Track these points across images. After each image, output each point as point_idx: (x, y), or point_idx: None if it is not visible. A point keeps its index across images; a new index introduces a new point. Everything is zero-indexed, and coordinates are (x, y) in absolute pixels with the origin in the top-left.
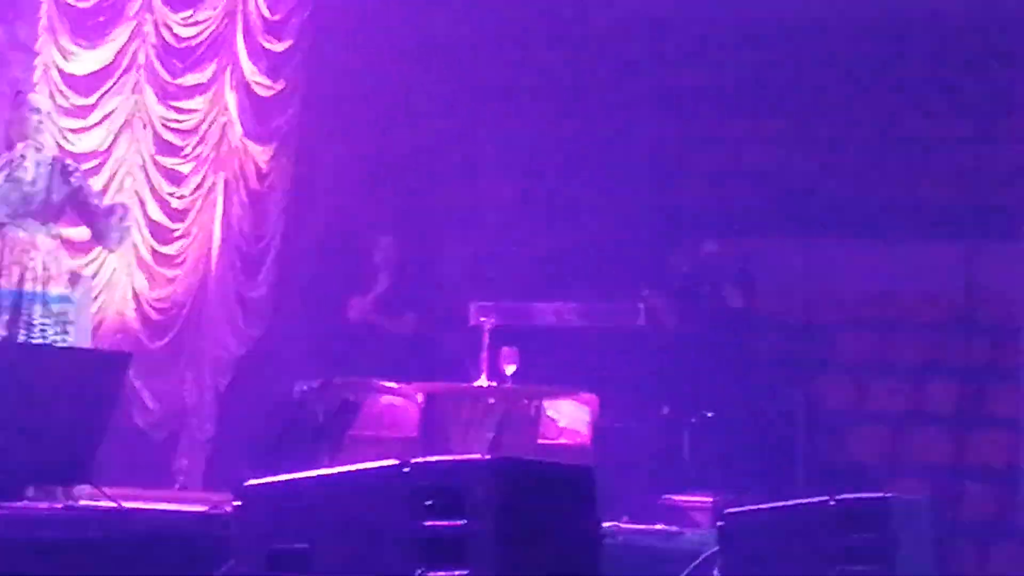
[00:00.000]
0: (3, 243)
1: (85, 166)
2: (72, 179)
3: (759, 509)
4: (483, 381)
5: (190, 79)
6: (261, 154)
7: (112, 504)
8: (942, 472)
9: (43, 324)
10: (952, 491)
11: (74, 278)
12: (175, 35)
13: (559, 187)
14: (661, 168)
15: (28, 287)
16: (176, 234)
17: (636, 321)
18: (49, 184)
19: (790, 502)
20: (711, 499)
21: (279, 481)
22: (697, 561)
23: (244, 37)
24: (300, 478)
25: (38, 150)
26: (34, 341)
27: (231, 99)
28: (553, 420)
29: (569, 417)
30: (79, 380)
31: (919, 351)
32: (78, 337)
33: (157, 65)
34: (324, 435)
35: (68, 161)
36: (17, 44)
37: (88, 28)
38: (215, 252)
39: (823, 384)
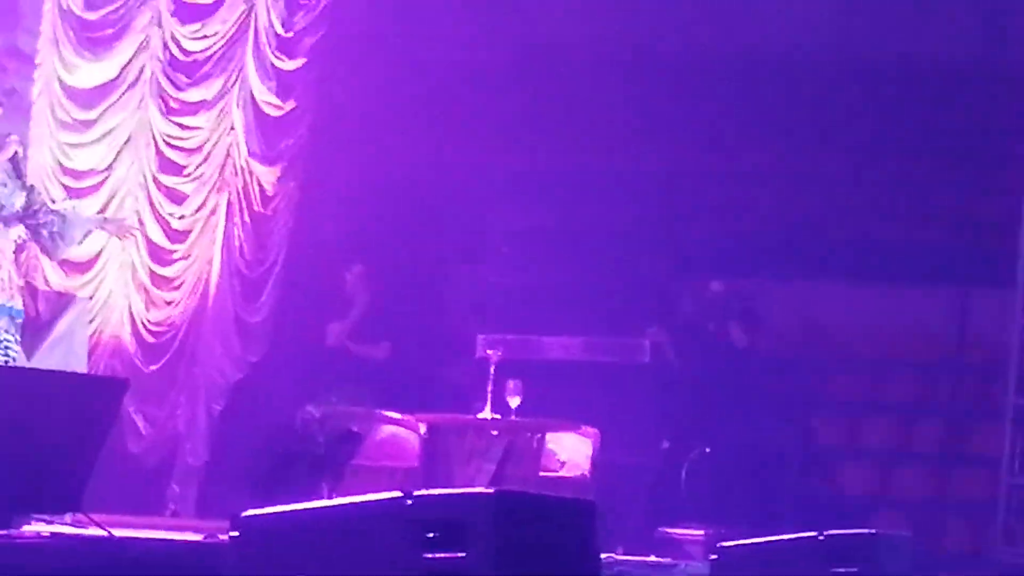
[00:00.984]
0: None
1: (84, 183)
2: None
3: (751, 543)
4: (487, 413)
5: (195, 95)
6: (267, 175)
7: (102, 532)
8: (926, 507)
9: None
10: (934, 525)
11: (69, 299)
12: (183, 49)
13: (567, 222)
14: (668, 206)
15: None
16: (175, 256)
17: (641, 357)
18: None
19: (781, 536)
20: (705, 532)
21: (278, 511)
22: None
23: (254, 53)
24: (300, 508)
25: None
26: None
27: (238, 117)
28: (554, 453)
29: (571, 450)
30: (74, 405)
31: (909, 390)
32: (72, 360)
33: (162, 79)
34: (325, 465)
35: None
36: (16, 53)
37: (94, 40)
38: (215, 275)
39: (816, 420)
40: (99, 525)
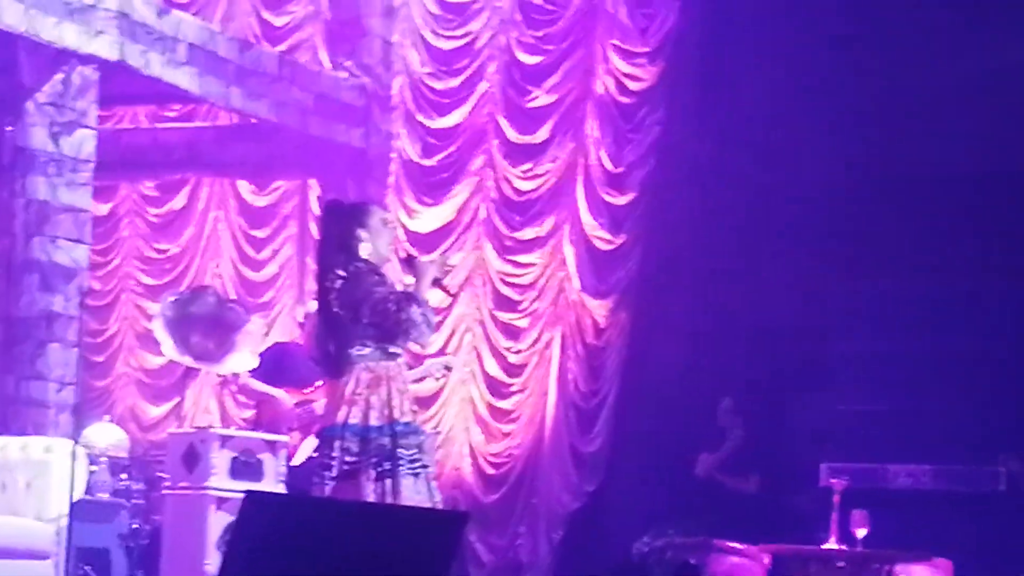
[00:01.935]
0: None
1: None
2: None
3: None
4: (832, 544)
5: (529, 232)
6: (599, 308)
7: None
8: None
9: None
10: None
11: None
12: (515, 189)
13: (913, 346)
14: (1017, 330)
15: None
16: (512, 389)
17: (996, 486)
18: None
19: None
20: None
21: None
22: None
23: (584, 190)
24: None
25: None
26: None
27: (569, 253)
28: None
29: None
30: (416, 539)
31: None
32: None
33: (496, 220)
34: None
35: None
36: (369, 201)
37: (432, 185)
38: (550, 406)
39: None
40: None
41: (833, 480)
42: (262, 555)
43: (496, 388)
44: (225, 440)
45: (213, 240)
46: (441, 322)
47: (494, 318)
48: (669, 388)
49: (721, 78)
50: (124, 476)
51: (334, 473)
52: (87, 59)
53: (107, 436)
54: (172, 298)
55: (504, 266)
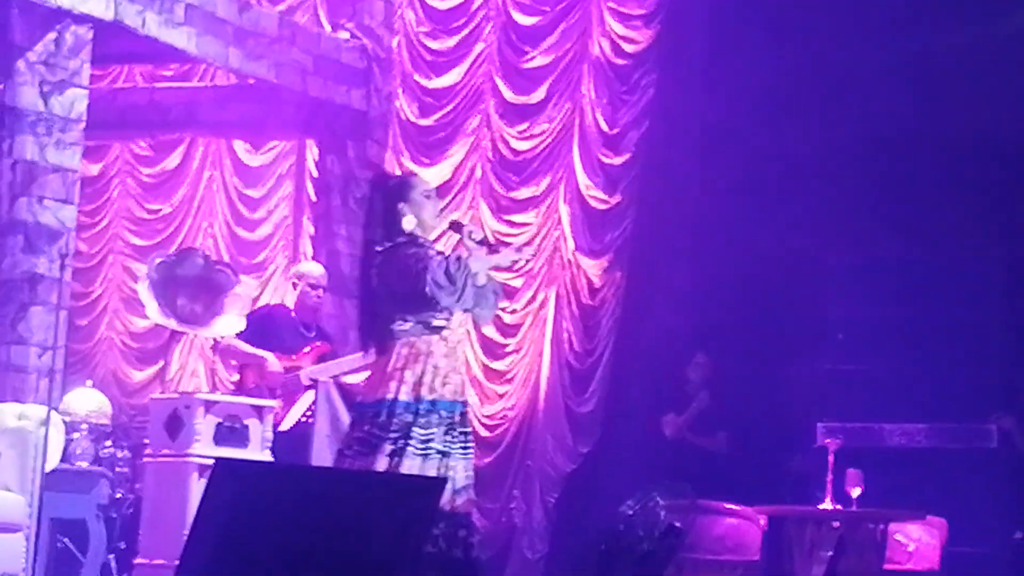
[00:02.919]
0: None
1: None
2: None
3: None
4: (828, 504)
5: (524, 192)
6: (593, 268)
7: None
8: None
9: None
10: None
11: None
12: (511, 149)
13: (908, 309)
14: (1012, 290)
15: None
16: (507, 349)
17: (988, 443)
18: None
19: None
20: None
21: None
22: None
23: (580, 150)
24: None
25: None
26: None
27: (564, 213)
28: (902, 545)
29: (918, 542)
30: (392, 506)
31: None
32: None
33: (492, 179)
34: (648, 561)
35: None
36: (367, 164)
37: (428, 145)
38: (545, 367)
39: None
40: None
41: (828, 440)
42: (232, 523)
43: (491, 349)
44: (210, 405)
45: (207, 200)
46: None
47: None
48: (663, 348)
49: (716, 41)
50: (107, 444)
51: (364, 449)
52: (81, 18)
53: (88, 402)
54: (159, 260)
55: (499, 225)
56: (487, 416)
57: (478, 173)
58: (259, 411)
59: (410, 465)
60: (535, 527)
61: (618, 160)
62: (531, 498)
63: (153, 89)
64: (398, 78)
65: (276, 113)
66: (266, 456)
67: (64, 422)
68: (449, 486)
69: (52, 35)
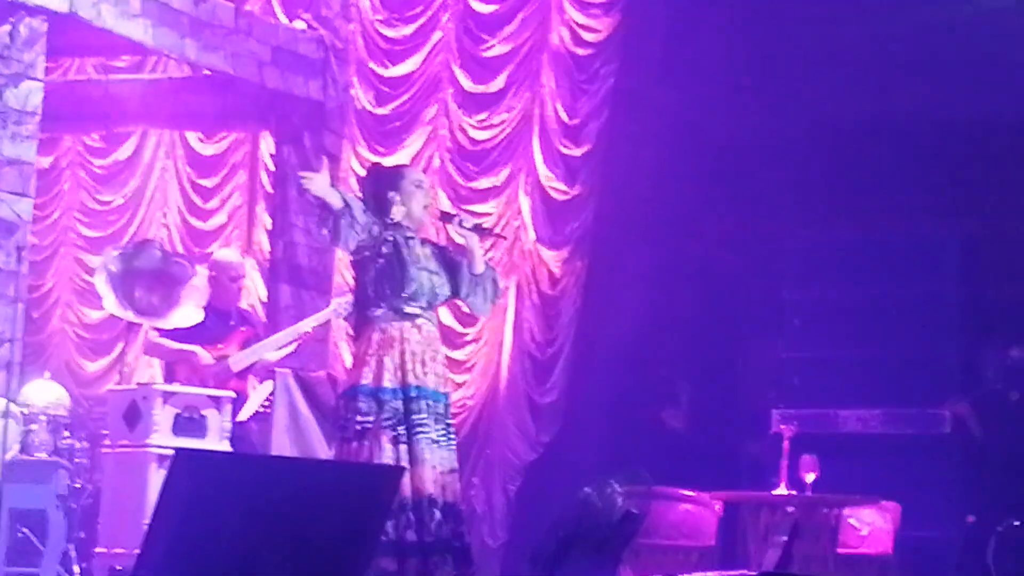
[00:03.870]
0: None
1: None
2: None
3: None
4: (782, 489)
5: (484, 182)
6: (554, 259)
7: None
8: None
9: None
10: None
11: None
12: (470, 138)
13: (862, 293)
14: (967, 273)
15: None
16: (467, 339)
17: (942, 428)
18: None
19: None
20: None
21: None
22: None
23: (540, 141)
24: None
25: None
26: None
27: (524, 203)
28: (855, 529)
29: (871, 526)
30: (350, 494)
31: None
32: None
33: (451, 169)
34: (605, 546)
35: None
36: (323, 153)
37: (385, 134)
38: (506, 357)
39: None
40: None
41: (783, 426)
42: (192, 512)
43: (450, 338)
44: (168, 396)
45: (160, 190)
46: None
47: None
48: (624, 338)
49: (676, 30)
50: (66, 434)
51: (347, 434)
52: (35, 11)
53: (46, 394)
54: (116, 252)
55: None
56: None
57: (436, 163)
58: (217, 401)
59: (409, 453)
60: (495, 515)
61: (578, 151)
62: (491, 486)
63: (107, 81)
64: (354, 67)
65: (232, 105)
66: (225, 446)
67: (22, 413)
68: (446, 476)
69: (6, 27)
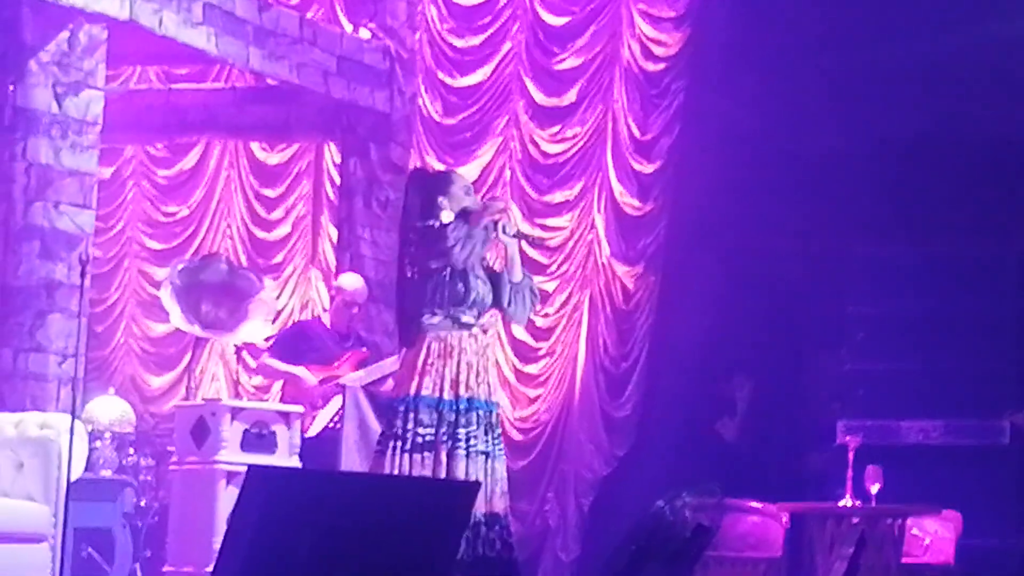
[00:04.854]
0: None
1: None
2: None
3: None
4: (847, 500)
5: (558, 196)
6: (628, 274)
7: None
8: None
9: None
10: None
11: None
12: (542, 151)
13: (924, 306)
14: (1023, 288)
15: None
16: (540, 352)
17: (1001, 439)
18: None
19: None
20: None
21: None
22: None
23: (613, 156)
24: None
25: None
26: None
27: (599, 218)
28: (918, 538)
29: (934, 536)
30: (425, 510)
31: None
32: None
33: (523, 181)
34: (680, 557)
35: None
36: (390, 165)
37: (453, 144)
38: (580, 371)
39: None
40: None
41: (848, 437)
42: (266, 530)
43: (523, 352)
44: (236, 412)
45: (224, 201)
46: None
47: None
48: (695, 351)
49: (745, 44)
50: (131, 452)
51: (407, 445)
52: (94, 18)
53: (111, 410)
54: (181, 266)
55: (532, 229)
56: (519, 419)
57: (507, 175)
58: (286, 417)
59: (463, 466)
60: (569, 529)
61: (650, 168)
62: (565, 500)
63: (169, 91)
64: (420, 76)
65: (297, 115)
66: (294, 462)
67: (87, 431)
68: (497, 488)
69: (65, 35)
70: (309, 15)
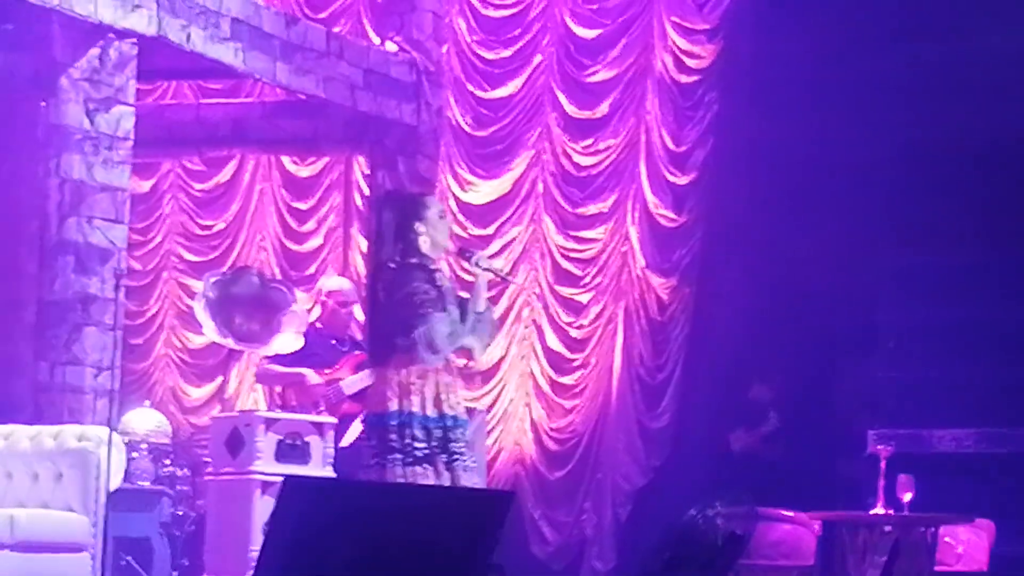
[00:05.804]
0: None
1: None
2: None
3: None
4: (880, 509)
5: (591, 208)
6: (662, 286)
7: None
8: None
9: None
10: None
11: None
12: (575, 164)
13: (954, 314)
14: None
15: None
16: (575, 364)
17: None
18: None
19: None
20: None
21: None
22: None
23: (647, 168)
24: None
25: None
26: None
27: (632, 230)
28: (951, 547)
29: (967, 544)
30: (461, 520)
31: None
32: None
33: (556, 194)
34: (712, 567)
35: None
36: (417, 177)
37: (485, 156)
38: (615, 382)
39: None
40: None
41: (880, 446)
42: (303, 540)
43: (558, 363)
44: (270, 423)
45: (259, 214)
46: (499, 295)
47: (554, 292)
48: (730, 362)
49: (777, 55)
50: (167, 462)
51: (408, 459)
52: (124, 34)
53: (147, 422)
54: (213, 279)
55: (566, 241)
56: (554, 429)
57: (540, 187)
58: (319, 428)
59: (461, 477)
60: (605, 539)
61: (684, 179)
62: (602, 511)
63: (199, 105)
64: (449, 89)
65: (325, 129)
66: (328, 472)
67: (124, 442)
68: None
69: (95, 51)
70: (336, 29)
